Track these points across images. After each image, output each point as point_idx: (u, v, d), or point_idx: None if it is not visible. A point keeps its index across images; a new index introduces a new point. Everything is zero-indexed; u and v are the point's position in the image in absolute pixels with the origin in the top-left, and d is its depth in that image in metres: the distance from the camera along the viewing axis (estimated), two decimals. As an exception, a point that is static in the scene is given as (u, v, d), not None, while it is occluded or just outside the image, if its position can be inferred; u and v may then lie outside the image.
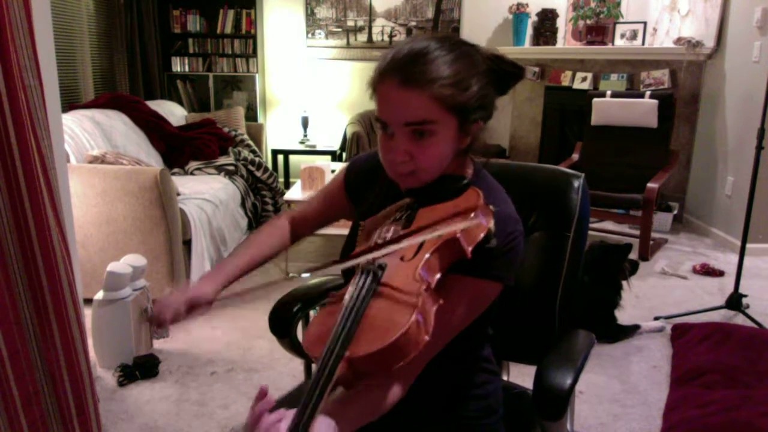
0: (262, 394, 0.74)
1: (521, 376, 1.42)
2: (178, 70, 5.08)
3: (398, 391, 0.84)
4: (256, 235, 1.20)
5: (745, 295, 2.80)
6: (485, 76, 0.93)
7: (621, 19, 4.57)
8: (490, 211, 0.89)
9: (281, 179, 5.03)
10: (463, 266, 0.88)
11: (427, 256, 0.84)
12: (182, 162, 3.95)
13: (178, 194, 2.96)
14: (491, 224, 0.88)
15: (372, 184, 1.12)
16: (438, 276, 0.85)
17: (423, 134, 0.90)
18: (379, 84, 0.92)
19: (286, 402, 1.13)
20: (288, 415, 0.71)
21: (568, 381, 0.98)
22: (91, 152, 3.01)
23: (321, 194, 1.23)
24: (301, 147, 5.04)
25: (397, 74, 0.89)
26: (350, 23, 5.10)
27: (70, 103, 3.68)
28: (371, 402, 0.82)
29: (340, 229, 1.41)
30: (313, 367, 0.81)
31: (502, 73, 0.97)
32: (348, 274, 0.93)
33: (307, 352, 0.82)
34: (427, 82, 0.87)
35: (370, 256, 0.85)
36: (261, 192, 4.13)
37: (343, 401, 0.78)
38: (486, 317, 0.98)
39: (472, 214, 0.86)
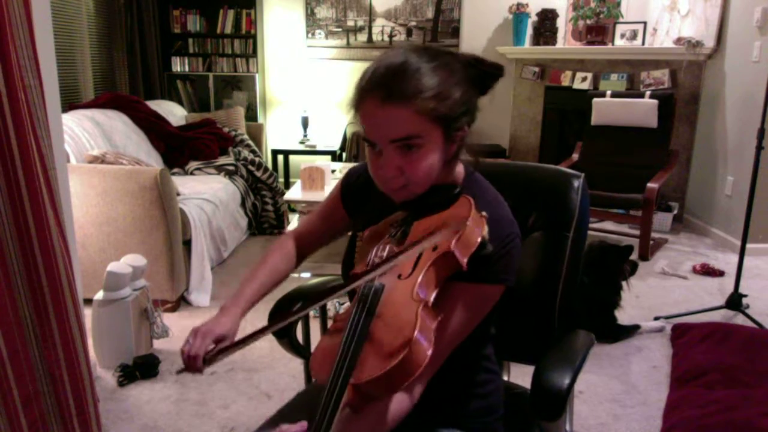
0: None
1: (521, 376, 1.42)
2: (178, 70, 5.08)
3: (406, 403, 0.85)
4: (266, 260, 1.19)
5: (745, 295, 2.80)
6: (466, 82, 0.93)
7: (621, 19, 4.57)
8: (483, 219, 0.90)
9: (281, 179, 5.02)
10: (463, 273, 0.88)
11: (423, 272, 0.84)
12: (182, 162, 3.95)
13: (178, 194, 2.97)
14: (485, 232, 0.88)
15: (368, 194, 1.12)
16: (435, 292, 0.85)
17: (411, 148, 0.90)
18: (360, 103, 0.92)
19: (285, 414, 1.14)
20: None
21: (566, 381, 0.98)
22: (91, 152, 3.01)
23: (320, 211, 1.23)
24: (301, 147, 5.04)
25: (378, 92, 0.88)
26: (350, 23, 5.10)
27: (70, 103, 3.68)
28: (378, 419, 0.82)
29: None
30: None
31: (483, 75, 0.97)
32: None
33: (315, 378, 0.84)
34: (409, 97, 0.87)
35: (368, 278, 0.85)
36: (261, 192, 4.13)
37: (350, 420, 0.79)
38: (489, 318, 0.98)
39: (468, 222, 0.87)
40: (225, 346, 1.02)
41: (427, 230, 0.90)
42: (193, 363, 0.99)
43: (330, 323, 0.93)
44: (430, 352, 0.78)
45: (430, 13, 5.04)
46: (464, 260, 0.85)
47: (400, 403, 0.84)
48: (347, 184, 1.19)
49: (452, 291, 0.89)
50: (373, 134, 0.92)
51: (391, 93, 0.87)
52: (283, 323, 0.97)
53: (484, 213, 0.90)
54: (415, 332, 0.77)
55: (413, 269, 0.86)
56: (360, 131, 0.95)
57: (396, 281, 0.86)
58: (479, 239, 0.87)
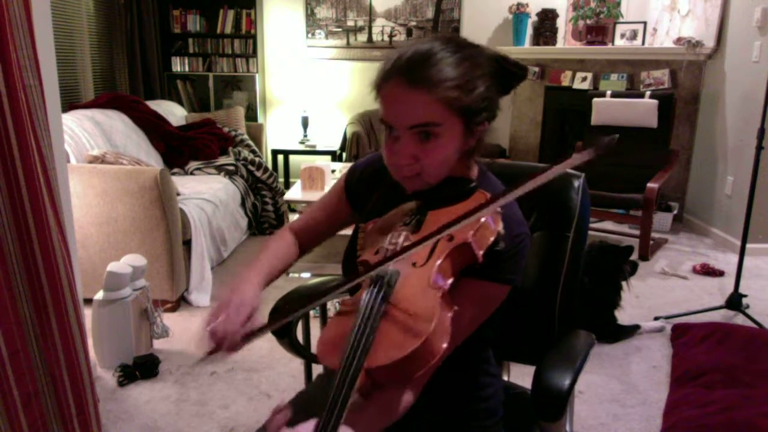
0: (278, 409, 0.73)
1: (521, 376, 1.42)
2: (178, 70, 5.08)
3: (410, 396, 0.84)
4: (269, 246, 1.14)
5: (745, 295, 2.80)
6: (490, 77, 0.93)
7: (621, 19, 4.57)
8: (499, 215, 0.89)
9: (281, 179, 5.02)
10: (473, 269, 0.88)
11: (439, 261, 0.83)
12: (182, 162, 3.95)
13: (178, 194, 2.97)
14: (500, 227, 0.88)
15: (373, 187, 1.11)
16: (451, 281, 0.84)
17: (428, 136, 0.89)
18: (383, 86, 0.91)
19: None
20: (305, 429, 0.70)
21: (567, 381, 0.98)
22: (91, 152, 3.01)
23: (321, 203, 1.21)
24: (301, 147, 5.04)
25: (403, 76, 0.88)
26: (350, 23, 5.10)
27: (70, 103, 3.68)
28: (385, 408, 0.81)
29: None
30: (314, 367, 0.80)
31: (506, 74, 0.97)
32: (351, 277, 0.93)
33: (321, 361, 0.81)
34: (433, 85, 0.86)
35: (384, 264, 0.83)
36: (261, 192, 4.13)
37: (359, 409, 0.77)
38: (490, 319, 0.98)
39: (482, 218, 0.86)
40: (266, 323, 0.94)
41: (443, 221, 0.88)
42: (230, 340, 0.88)
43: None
44: (446, 342, 0.77)
45: (430, 13, 5.04)
46: (480, 252, 0.85)
47: (406, 394, 0.83)
48: (352, 176, 1.17)
49: (460, 287, 0.89)
50: (392, 118, 0.91)
51: (415, 78, 0.87)
52: (322, 300, 0.91)
53: (499, 209, 0.90)
54: (435, 320, 0.76)
55: (428, 258, 0.85)
56: (379, 114, 0.93)
57: (410, 269, 0.85)
58: (495, 234, 0.87)
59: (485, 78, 0.92)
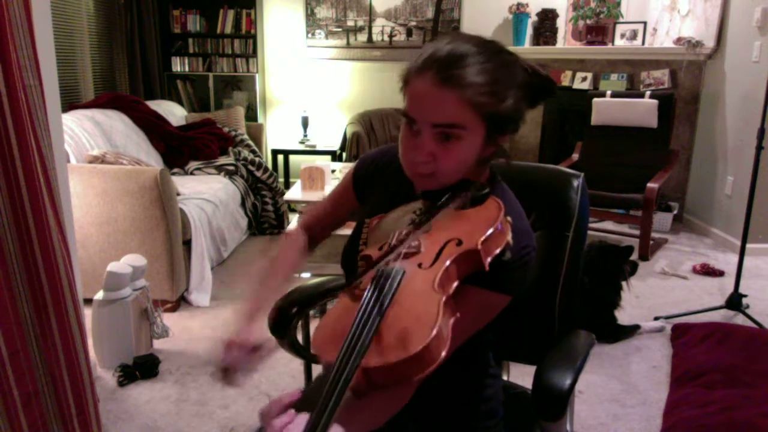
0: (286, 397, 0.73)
1: (521, 376, 1.42)
2: (178, 70, 5.08)
3: (403, 400, 0.83)
4: (276, 255, 1.15)
5: (745, 295, 2.80)
6: (521, 89, 0.91)
7: (621, 19, 4.57)
8: (509, 224, 0.88)
9: (281, 179, 5.02)
10: (476, 277, 0.86)
11: (446, 265, 0.82)
12: (182, 162, 3.95)
13: (178, 194, 2.97)
14: (509, 237, 0.86)
15: (380, 181, 1.10)
16: (455, 286, 0.83)
17: (450, 137, 0.88)
18: (413, 79, 0.89)
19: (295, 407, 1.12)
20: (299, 420, 0.69)
21: (568, 381, 0.98)
22: (91, 152, 3.01)
23: (331, 195, 1.22)
24: (301, 147, 5.04)
25: (435, 73, 0.86)
26: (350, 23, 5.10)
27: (70, 103, 3.68)
28: (378, 408, 0.80)
29: (342, 229, 1.40)
30: (314, 367, 0.78)
31: (536, 87, 0.95)
32: (350, 273, 0.92)
33: (317, 354, 0.78)
34: (465, 86, 0.85)
35: (388, 259, 0.82)
36: (261, 192, 4.13)
37: (352, 408, 0.75)
38: (491, 324, 0.97)
39: (493, 227, 0.85)
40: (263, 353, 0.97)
41: (453, 224, 0.87)
42: (232, 375, 0.94)
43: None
44: (446, 349, 0.75)
45: (430, 13, 5.03)
46: (487, 260, 0.83)
47: (400, 397, 0.82)
48: (361, 168, 1.16)
49: (461, 293, 0.87)
50: (417, 113, 0.89)
51: (449, 76, 0.85)
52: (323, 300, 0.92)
53: (509, 218, 0.88)
54: (437, 325, 0.74)
55: (434, 261, 0.83)
56: (402, 108, 0.91)
57: (416, 269, 0.83)
58: (504, 244, 0.85)
59: (517, 89, 0.90)
